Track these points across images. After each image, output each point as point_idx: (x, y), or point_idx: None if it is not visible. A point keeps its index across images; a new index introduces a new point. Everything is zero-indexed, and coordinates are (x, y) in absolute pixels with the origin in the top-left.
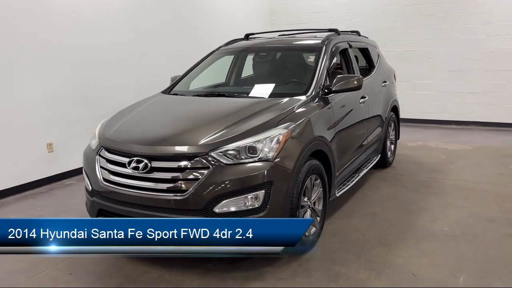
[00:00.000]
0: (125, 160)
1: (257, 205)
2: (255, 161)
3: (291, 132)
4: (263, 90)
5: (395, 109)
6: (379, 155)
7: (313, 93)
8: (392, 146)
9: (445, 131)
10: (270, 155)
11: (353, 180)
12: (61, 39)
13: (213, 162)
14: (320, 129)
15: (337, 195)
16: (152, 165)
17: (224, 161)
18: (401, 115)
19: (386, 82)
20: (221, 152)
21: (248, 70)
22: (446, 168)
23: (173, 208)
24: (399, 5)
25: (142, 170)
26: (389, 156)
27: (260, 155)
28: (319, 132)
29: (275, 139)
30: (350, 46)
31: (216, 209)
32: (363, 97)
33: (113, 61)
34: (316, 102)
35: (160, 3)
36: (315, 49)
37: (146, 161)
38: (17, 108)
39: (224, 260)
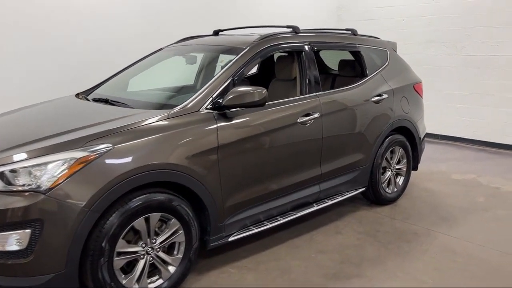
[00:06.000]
0: None
1: (20, 248)
2: (25, 191)
3: (94, 157)
4: (142, 98)
5: (405, 131)
6: (363, 189)
7: (191, 107)
8: (400, 179)
9: None
10: (46, 184)
11: (274, 222)
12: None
13: None
14: (175, 155)
15: (229, 240)
16: None
17: None
18: (477, 137)
19: (382, 96)
20: None
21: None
22: (465, 218)
23: None
24: None
25: None
26: (387, 191)
27: (35, 184)
28: (170, 159)
29: (63, 165)
30: (313, 49)
31: None
32: (308, 114)
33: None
34: (187, 118)
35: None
36: (236, 51)
37: None
38: None
39: None
